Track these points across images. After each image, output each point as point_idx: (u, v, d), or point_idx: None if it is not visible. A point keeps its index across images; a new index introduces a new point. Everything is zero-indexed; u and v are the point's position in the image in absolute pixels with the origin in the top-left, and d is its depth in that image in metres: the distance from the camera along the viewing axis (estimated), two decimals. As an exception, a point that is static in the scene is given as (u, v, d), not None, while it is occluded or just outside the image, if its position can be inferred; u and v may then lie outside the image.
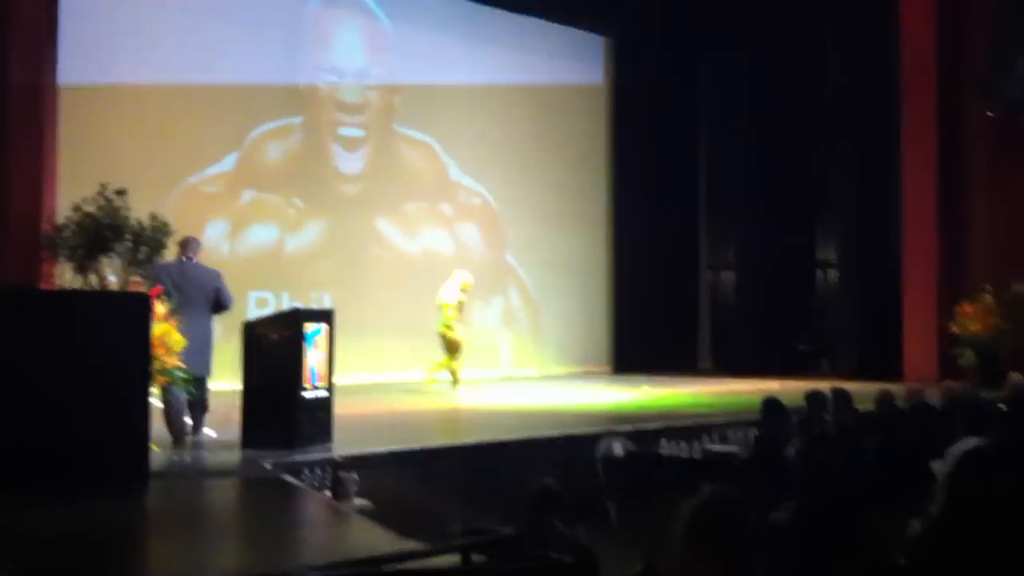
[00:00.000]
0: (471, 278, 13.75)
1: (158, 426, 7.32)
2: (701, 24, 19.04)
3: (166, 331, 7.64)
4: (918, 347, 16.34)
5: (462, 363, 13.57)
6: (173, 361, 7.67)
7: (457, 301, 13.58)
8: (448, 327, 13.60)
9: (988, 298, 15.41)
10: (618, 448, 9.18)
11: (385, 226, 16.36)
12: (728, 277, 19.64)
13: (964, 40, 16.40)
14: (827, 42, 18.32)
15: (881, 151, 17.38)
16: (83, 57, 13.02)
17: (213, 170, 14.55)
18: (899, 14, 16.86)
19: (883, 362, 16.26)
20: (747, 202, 18.93)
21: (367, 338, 14.59)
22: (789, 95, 18.59)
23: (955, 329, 15.52)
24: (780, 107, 18.57)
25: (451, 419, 11.07)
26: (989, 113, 15.77)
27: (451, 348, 13.61)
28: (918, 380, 13.20)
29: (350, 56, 16.18)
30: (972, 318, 15.40)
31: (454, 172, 17.27)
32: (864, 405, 9.10)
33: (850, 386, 9.38)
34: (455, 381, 13.65)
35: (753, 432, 8.53)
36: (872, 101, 17.54)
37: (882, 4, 17.12)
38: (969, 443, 6.11)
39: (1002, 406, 9.05)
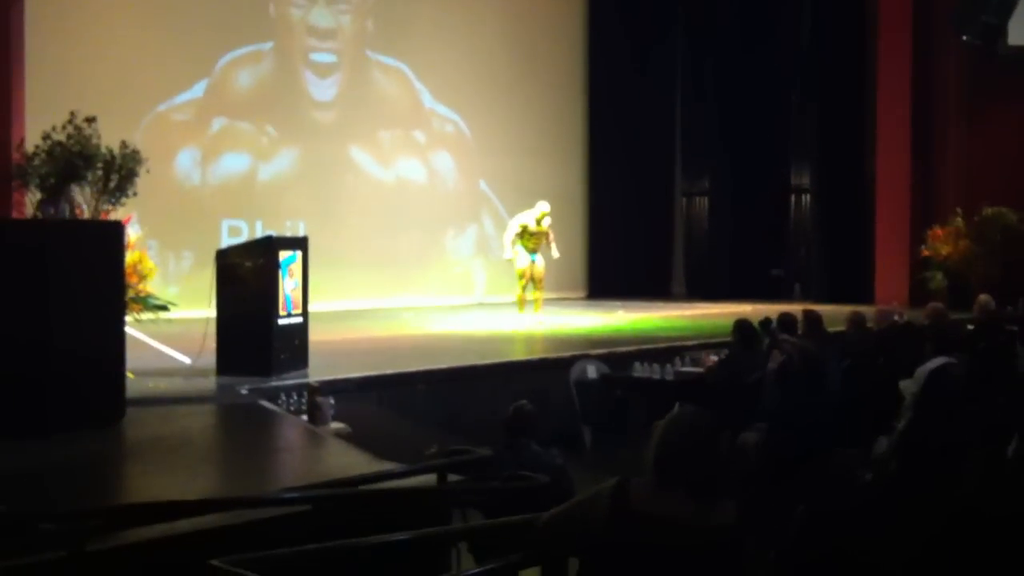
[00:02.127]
0: (545, 207, 13.27)
1: (134, 354, 7.32)
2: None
3: (139, 258, 7.61)
4: (889, 271, 16.50)
5: (526, 290, 13.14)
6: (146, 288, 7.64)
7: (521, 228, 13.15)
8: (514, 255, 13.20)
9: (959, 221, 15.55)
10: (592, 371, 9.26)
11: (359, 154, 16.26)
12: (702, 203, 19.67)
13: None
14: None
15: (856, 78, 17.34)
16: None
17: (183, 97, 14.37)
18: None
19: (855, 286, 16.42)
20: (722, 129, 18.88)
21: (341, 266, 14.58)
22: (767, 24, 18.47)
23: (926, 252, 15.67)
24: (758, 37, 18.46)
25: (426, 345, 11.11)
26: (964, 38, 15.74)
27: (518, 276, 13.32)
28: (888, 303, 13.34)
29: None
30: (943, 241, 15.56)
31: (427, 99, 17.13)
32: (835, 327, 9.21)
33: (822, 309, 9.47)
34: (518, 308, 13.33)
35: (724, 353, 8.62)
36: (848, 29, 17.45)
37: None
38: (937, 362, 6.21)
39: (970, 327, 9.18)
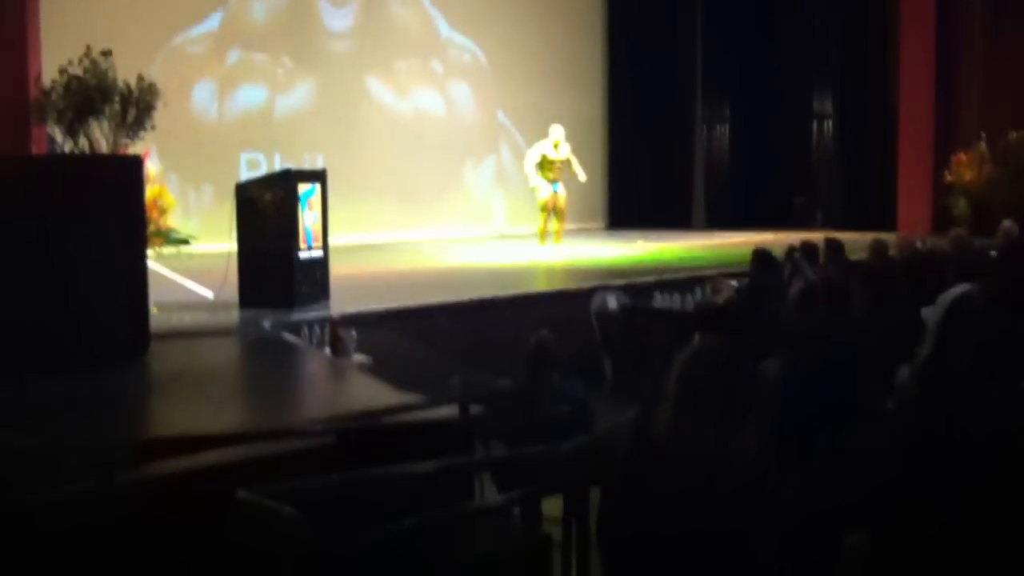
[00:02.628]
0: (558, 131, 13.06)
1: (157, 288, 7.36)
2: None
3: (159, 193, 7.62)
4: (912, 198, 16.35)
5: (548, 222, 13.09)
6: (167, 223, 7.67)
7: (541, 157, 13.01)
8: (535, 188, 13.14)
9: (983, 146, 15.34)
10: (612, 302, 9.26)
11: (375, 85, 16.13)
12: (723, 131, 19.48)
13: None
14: None
15: (880, 4, 17.02)
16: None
17: (198, 30, 14.27)
18: None
19: (877, 213, 16.29)
20: (743, 56, 18.63)
21: (360, 198, 14.55)
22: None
23: (949, 178, 15.50)
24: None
25: (446, 277, 11.12)
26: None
27: (540, 207, 13.21)
28: (911, 230, 13.25)
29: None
30: (967, 167, 15.37)
31: (444, 28, 16.94)
32: (857, 255, 9.15)
33: (844, 237, 9.41)
34: (540, 240, 13.27)
35: (743, 281, 8.60)
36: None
37: None
38: (959, 289, 6.17)
39: (993, 253, 9.10)
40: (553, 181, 13.01)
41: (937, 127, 16.31)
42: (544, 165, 12.99)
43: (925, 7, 16.21)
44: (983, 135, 15.42)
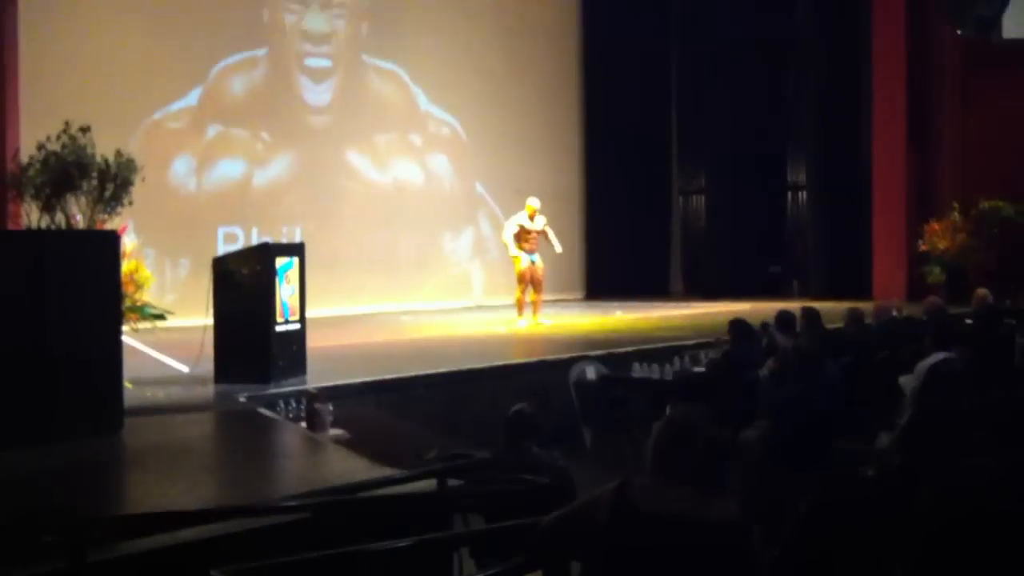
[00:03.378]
0: (535, 203, 13.11)
1: (132, 363, 7.30)
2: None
3: (135, 267, 7.59)
4: (887, 266, 16.49)
5: (525, 292, 13.12)
6: (143, 297, 7.63)
7: (518, 228, 13.01)
8: (515, 259, 13.13)
9: (956, 215, 15.54)
10: (591, 372, 9.25)
11: (355, 158, 16.23)
12: (699, 201, 19.66)
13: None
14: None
15: (851, 73, 17.32)
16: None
17: (177, 105, 14.34)
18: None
19: (853, 282, 16.40)
20: (718, 127, 18.88)
21: (339, 271, 14.55)
22: (759, 19, 18.44)
23: (924, 247, 15.66)
24: (751, 31, 18.43)
25: (425, 349, 11.09)
26: (959, 32, 15.76)
27: (517, 278, 13.21)
28: (887, 299, 13.35)
29: (314, -16, 15.89)
30: (940, 236, 15.56)
31: (423, 102, 17.11)
32: (834, 324, 9.20)
33: (820, 306, 9.46)
34: (518, 311, 13.27)
35: (720, 351, 8.61)
36: (842, 23, 17.43)
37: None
38: (937, 357, 6.20)
39: (968, 321, 9.18)
40: (530, 252, 13.07)
41: (909, 196, 16.52)
42: (521, 236, 13.06)
43: (896, 78, 16.51)
44: (955, 204, 15.63)
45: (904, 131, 16.53)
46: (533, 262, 13.10)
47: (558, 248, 13.31)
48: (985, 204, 15.31)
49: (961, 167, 16.11)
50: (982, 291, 10.11)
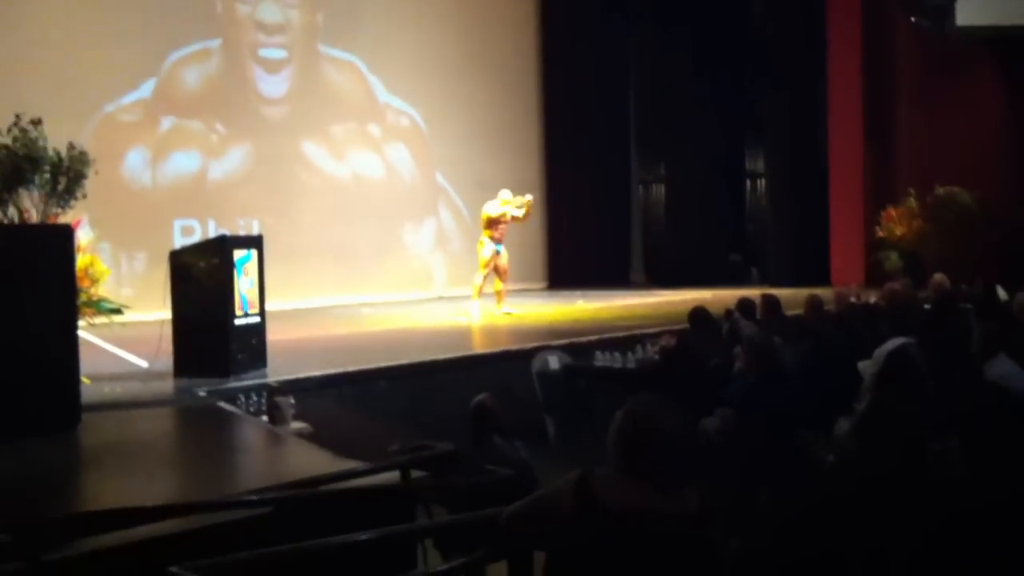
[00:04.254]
0: (506, 196, 13.11)
1: (89, 359, 7.21)
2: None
3: (90, 262, 7.49)
4: (845, 253, 16.66)
5: (487, 279, 13.16)
6: (99, 292, 7.53)
7: (484, 217, 13.04)
8: (480, 243, 13.23)
9: (912, 202, 15.70)
10: (554, 362, 9.25)
11: (312, 149, 16.11)
12: (659, 191, 19.75)
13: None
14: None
15: (808, 62, 17.45)
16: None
17: (130, 97, 14.17)
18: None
19: (812, 269, 16.54)
20: (677, 116, 18.96)
21: (298, 263, 14.45)
22: (719, 10, 18.51)
23: (881, 233, 15.82)
24: (711, 24, 18.51)
25: (386, 341, 11.04)
26: (912, 19, 15.90)
27: (481, 264, 13.22)
28: (846, 285, 13.46)
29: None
30: (897, 222, 15.71)
31: (381, 92, 17.02)
32: (794, 311, 9.25)
33: (779, 293, 9.52)
34: (474, 294, 13.26)
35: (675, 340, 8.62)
36: (799, 15, 17.54)
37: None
38: (895, 342, 6.25)
39: (927, 306, 9.27)
40: (497, 241, 13.07)
41: (867, 183, 16.68)
42: (490, 224, 13.05)
43: (852, 65, 16.65)
44: (911, 191, 15.79)
45: (861, 121, 16.69)
46: (498, 251, 13.09)
47: (528, 197, 13.30)
48: (941, 191, 15.47)
49: (918, 156, 16.28)
50: (939, 276, 10.20)
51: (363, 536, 3.21)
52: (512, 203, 13.09)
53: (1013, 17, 16.11)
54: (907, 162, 16.44)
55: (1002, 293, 9.81)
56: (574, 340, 10.16)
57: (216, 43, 15.12)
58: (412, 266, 17.18)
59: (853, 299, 9.97)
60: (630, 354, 9.04)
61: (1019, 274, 10.84)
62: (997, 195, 15.49)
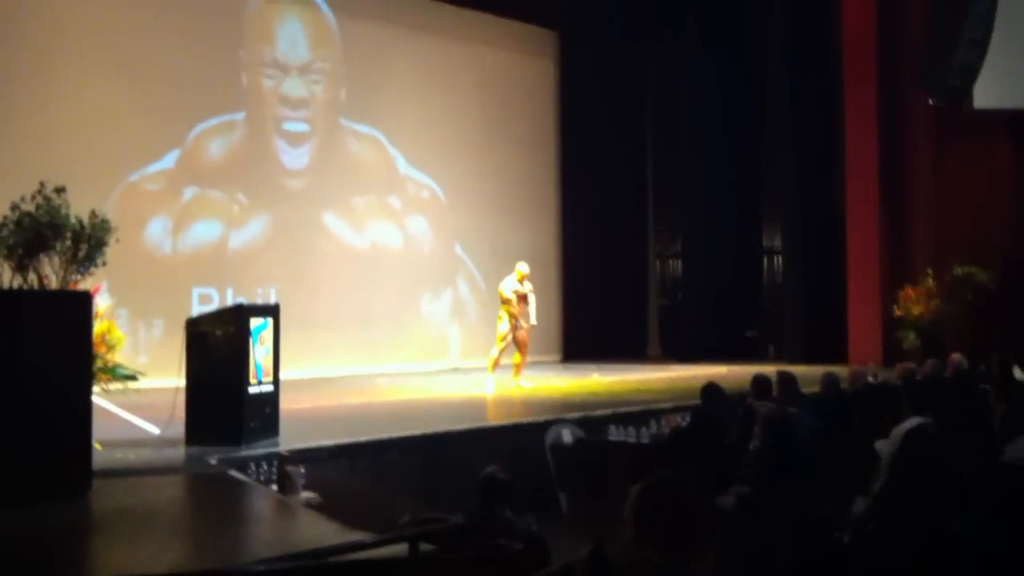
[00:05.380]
0: (525, 268, 13.13)
1: (102, 425, 7.20)
2: (648, 18, 19.10)
3: (107, 328, 7.52)
4: (862, 331, 16.56)
5: (503, 353, 13.19)
6: (115, 358, 7.55)
7: (512, 293, 13.01)
8: (499, 318, 13.18)
9: (930, 281, 15.66)
10: (567, 435, 9.19)
11: (332, 220, 16.25)
12: (676, 265, 19.78)
13: (903, 28, 16.61)
14: (769, 32, 18.40)
15: (824, 139, 17.56)
16: (17, 49, 12.80)
17: (154, 167, 14.35)
18: (840, 3, 17.07)
19: (829, 347, 16.45)
20: (694, 191, 19.06)
21: (314, 333, 14.50)
22: (734, 87, 18.72)
23: (898, 312, 15.75)
24: (725, 98, 18.70)
25: (400, 411, 11.01)
26: (931, 102, 16.01)
27: (500, 338, 13.18)
28: (862, 363, 13.38)
29: (293, 50, 16.01)
30: (915, 301, 15.65)
31: (402, 165, 17.20)
32: (810, 388, 9.19)
33: (796, 370, 9.46)
34: (490, 368, 13.24)
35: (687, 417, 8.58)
36: (814, 90, 17.70)
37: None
38: (913, 422, 6.19)
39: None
40: (516, 316, 13.07)
41: (883, 261, 16.65)
42: (516, 300, 13.07)
43: (869, 143, 16.72)
44: (929, 270, 15.76)
45: (876, 197, 16.71)
46: (518, 325, 13.10)
47: (533, 319, 13.30)
48: (959, 270, 15.42)
49: (934, 233, 16.26)
50: (957, 356, 10.15)
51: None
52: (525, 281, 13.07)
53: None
54: (924, 239, 16.43)
55: (1019, 373, 9.74)
56: (588, 414, 10.10)
57: (240, 116, 15.36)
58: (428, 336, 17.20)
59: (870, 378, 9.92)
60: (644, 428, 8.98)
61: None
62: (1014, 272, 15.45)
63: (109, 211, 9.65)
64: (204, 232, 14.81)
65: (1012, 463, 5.58)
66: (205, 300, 14.24)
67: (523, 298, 13.17)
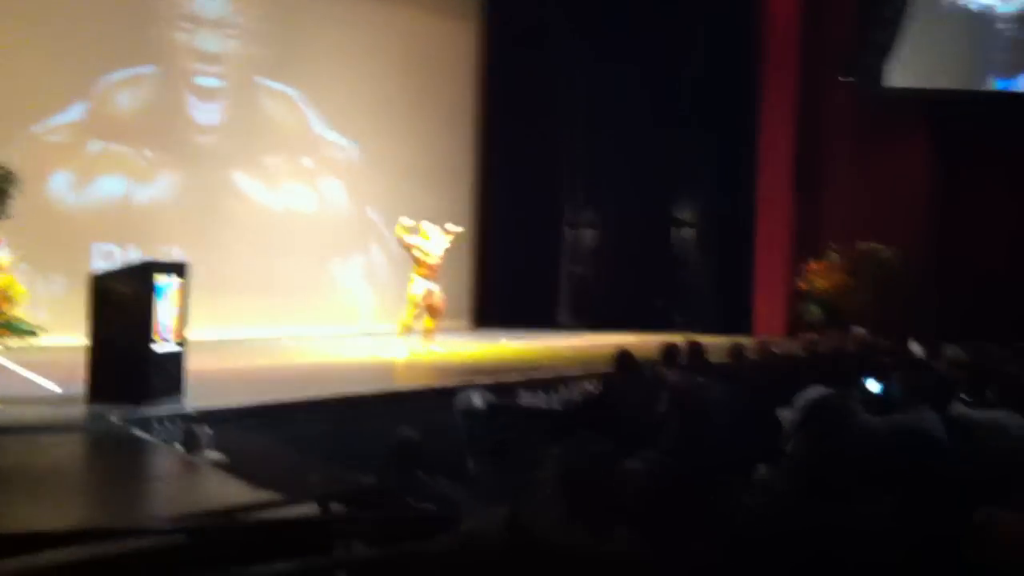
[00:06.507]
0: (426, 226, 13.17)
1: (1, 382, 7.00)
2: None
3: (8, 283, 7.29)
4: (768, 303, 16.90)
5: (417, 319, 13.13)
6: (15, 313, 7.32)
7: (410, 249, 13.04)
8: (410, 280, 13.11)
9: (835, 257, 16.02)
10: (478, 400, 9.18)
11: (243, 179, 15.94)
12: (588, 235, 19.89)
13: (825, 13, 16.89)
14: (693, 16, 18.46)
15: (743, 119, 17.74)
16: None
17: (58, 119, 13.89)
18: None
19: (735, 318, 16.73)
20: (608, 162, 19.13)
21: (223, 293, 14.19)
22: (655, 60, 18.71)
23: (803, 286, 16.09)
24: (645, 73, 18.72)
25: (309, 373, 10.90)
26: (840, 78, 16.34)
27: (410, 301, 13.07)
28: (768, 335, 13.66)
29: (209, 3, 15.58)
30: (820, 276, 16.01)
31: (317, 125, 16.93)
32: (718, 358, 9.33)
33: (704, 339, 9.59)
34: (400, 332, 13.10)
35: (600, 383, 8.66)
36: (734, 67, 17.85)
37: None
38: (815, 391, 6.32)
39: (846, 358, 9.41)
40: (428, 279, 13.01)
41: (793, 236, 16.98)
42: (417, 261, 12.99)
43: (786, 121, 17.01)
44: (833, 245, 16.12)
45: (791, 176, 17.01)
46: (431, 290, 13.03)
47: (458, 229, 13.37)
48: (862, 246, 15.80)
49: (845, 211, 16.63)
50: (859, 330, 10.41)
51: (278, 567, 3.14)
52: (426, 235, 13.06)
53: (940, 80, 16.65)
54: (834, 217, 16.78)
55: (916, 348, 10.00)
56: (499, 379, 10.12)
57: (150, 69, 14.89)
58: (339, 300, 17.03)
59: (774, 349, 10.13)
60: (554, 394, 9.03)
61: (942, 331, 11.10)
62: (918, 251, 15.88)
63: (11, 163, 9.36)
64: (109, 187, 14.40)
65: (914, 427, 5.72)
66: (108, 257, 13.84)
67: (433, 260, 13.11)
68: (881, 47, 15.94)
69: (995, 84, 16.96)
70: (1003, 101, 16.80)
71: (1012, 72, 16.94)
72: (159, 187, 14.89)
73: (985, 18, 16.83)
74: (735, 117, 17.78)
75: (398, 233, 13.32)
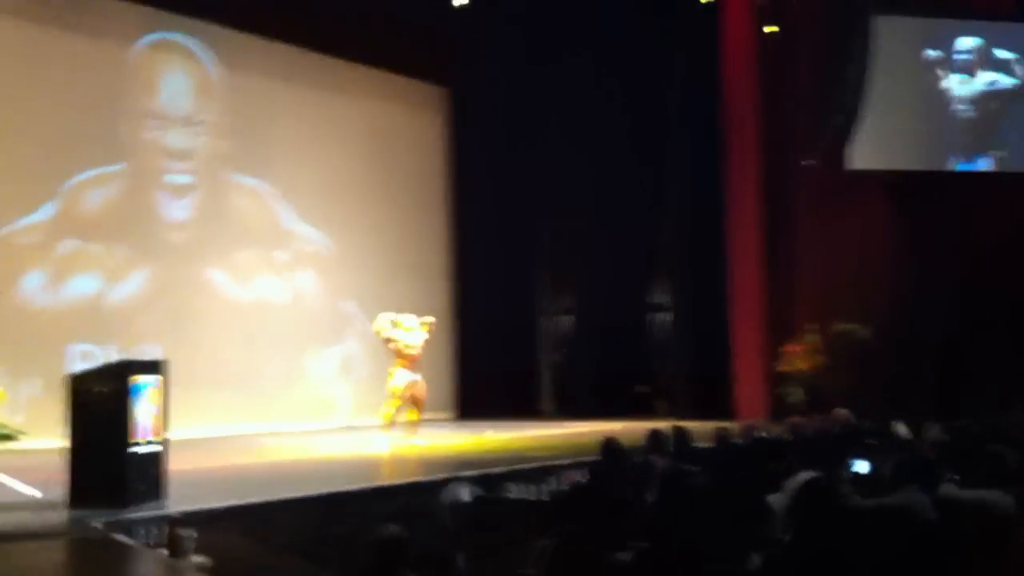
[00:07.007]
0: (406, 319, 13.19)
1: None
2: (542, 80, 19.27)
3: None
4: (748, 386, 16.87)
5: (400, 411, 13.06)
6: (-7, 417, 7.23)
7: (393, 343, 13.02)
8: (390, 374, 13.08)
9: (813, 337, 16.07)
10: (465, 493, 9.07)
11: (215, 274, 15.93)
12: (566, 322, 19.91)
13: (784, 95, 17.17)
14: (658, 97, 18.77)
15: (711, 200, 17.91)
16: None
17: (27, 220, 13.87)
18: (724, 71, 17.56)
19: (717, 402, 16.69)
20: (584, 250, 19.28)
21: (199, 390, 14.06)
22: (624, 147, 18.92)
23: (783, 368, 16.11)
24: (616, 162, 18.93)
25: (291, 471, 10.76)
26: (803, 163, 16.61)
27: (392, 394, 13.03)
28: (750, 418, 13.62)
29: (176, 102, 15.71)
30: (799, 357, 16.04)
31: (289, 219, 16.99)
32: (703, 443, 9.29)
33: (687, 425, 9.56)
34: (385, 425, 13.04)
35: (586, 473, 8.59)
36: (702, 152, 18.05)
37: (708, 65, 17.68)
38: (804, 476, 6.29)
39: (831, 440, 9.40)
40: (410, 370, 12.96)
41: (767, 319, 17.03)
42: (399, 352, 12.96)
43: (750, 204, 17.19)
44: (809, 326, 16.18)
45: (759, 256, 17.12)
46: (414, 381, 12.99)
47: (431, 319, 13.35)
48: (840, 327, 15.87)
49: (816, 291, 16.72)
50: (842, 411, 10.41)
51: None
52: (404, 327, 13.02)
53: (902, 162, 16.94)
54: (806, 297, 16.86)
55: (902, 429, 9.99)
56: (486, 471, 10.00)
57: (119, 167, 14.95)
58: (316, 394, 16.91)
59: (760, 433, 10.08)
60: (543, 486, 8.94)
61: (919, 407, 11.12)
62: (892, 328, 15.95)
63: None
64: (82, 286, 14.35)
65: (901, 506, 5.68)
66: (86, 357, 13.71)
67: (412, 351, 13.07)
68: (841, 131, 16.26)
69: (956, 166, 17.27)
70: (962, 179, 17.11)
71: (970, 154, 17.27)
72: (132, 285, 14.86)
73: (943, 100, 17.19)
74: (705, 197, 17.92)
75: (377, 328, 13.30)
